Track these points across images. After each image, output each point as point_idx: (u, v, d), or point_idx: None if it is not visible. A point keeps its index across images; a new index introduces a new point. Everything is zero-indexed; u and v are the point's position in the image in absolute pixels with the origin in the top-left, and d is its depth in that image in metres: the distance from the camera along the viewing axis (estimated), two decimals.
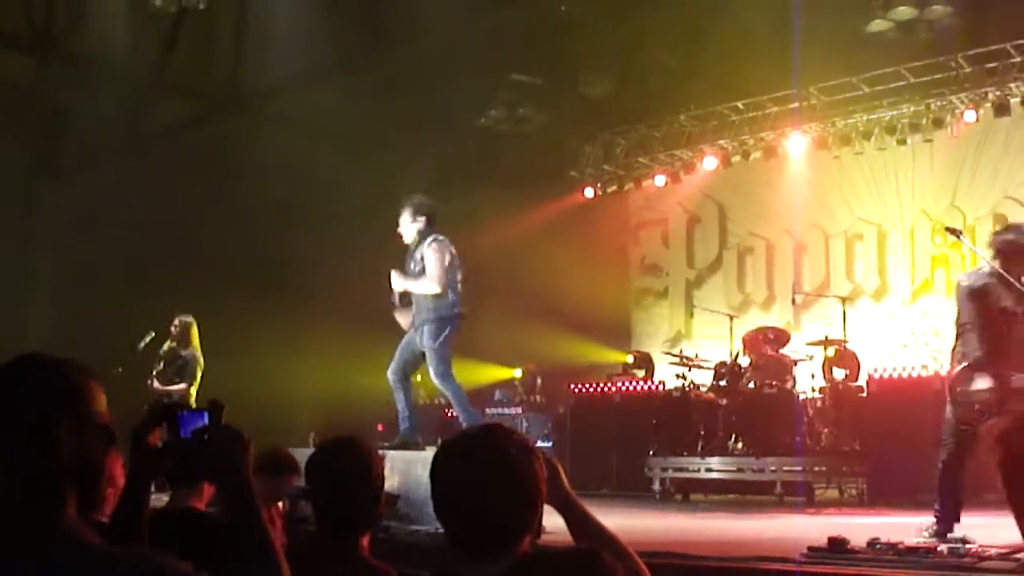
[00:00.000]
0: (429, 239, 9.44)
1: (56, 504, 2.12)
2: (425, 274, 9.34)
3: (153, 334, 12.46)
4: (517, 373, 17.14)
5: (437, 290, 9.29)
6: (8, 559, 2.01)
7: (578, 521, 2.94)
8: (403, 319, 9.66)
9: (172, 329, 12.52)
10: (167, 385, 12.35)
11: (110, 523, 2.78)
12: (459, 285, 9.47)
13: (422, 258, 9.40)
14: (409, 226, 9.51)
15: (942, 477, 7.32)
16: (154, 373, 12.43)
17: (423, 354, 9.47)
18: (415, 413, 9.81)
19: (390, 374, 9.57)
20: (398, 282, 9.48)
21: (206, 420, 2.59)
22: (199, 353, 12.52)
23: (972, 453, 7.30)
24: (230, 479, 2.48)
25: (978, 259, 13.21)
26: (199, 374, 12.44)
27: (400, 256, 9.67)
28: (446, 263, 9.36)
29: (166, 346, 12.51)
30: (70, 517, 2.13)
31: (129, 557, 2.08)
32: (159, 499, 5.08)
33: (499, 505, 2.55)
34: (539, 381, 16.35)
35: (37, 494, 2.11)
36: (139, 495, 2.80)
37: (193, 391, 12.34)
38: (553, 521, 3.04)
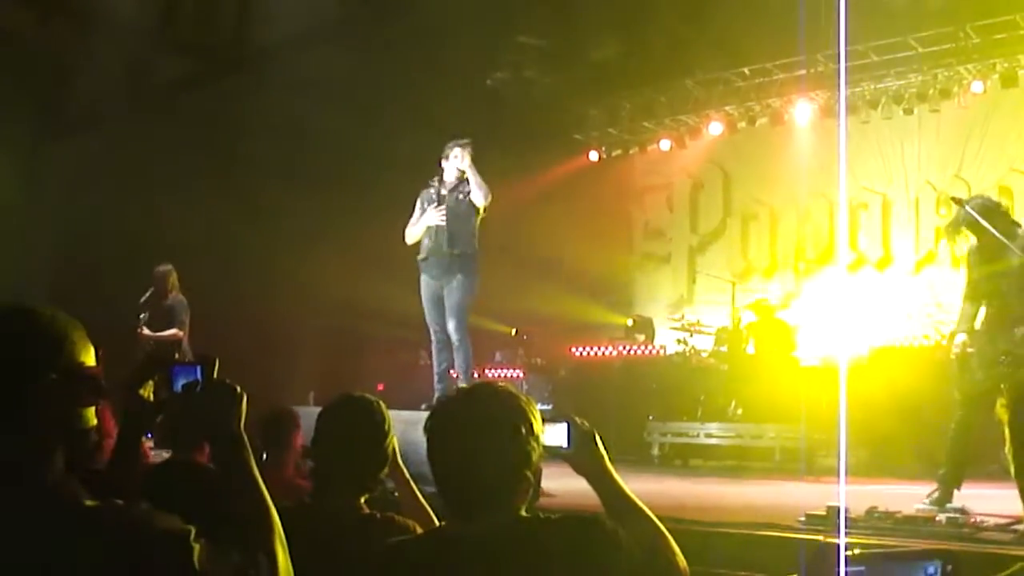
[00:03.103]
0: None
1: (43, 459, 2.09)
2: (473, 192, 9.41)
3: (153, 289, 12.53)
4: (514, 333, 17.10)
5: (486, 201, 9.33)
6: None
7: (609, 497, 2.87)
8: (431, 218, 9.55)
9: (154, 279, 12.62)
10: (157, 331, 12.39)
11: (104, 475, 2.76)
12: None
13: (468, 192, 9.43)
14: (464, 164, 9.47)
15: (951, 441, 7.33)
16: (142, 320, 12.47)
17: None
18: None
19: (441, 332, 9.52)
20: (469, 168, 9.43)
21: (198, 374, 2.57)
22: (183, 298, 12.61)
23: (979, 422, 7.32)
24: (221, 433, 2.46)
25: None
26: (187, 319, 12.50)
27: (406, 214, 9.61)
28: None
29: (148, 294, 12.57)
30: (58, 472, 2.10)
31: (117, 512, 2.07)
32: (159, 455, 5.08)
33: (487, 464, 2.53)
34: (526, 338, 16.30)
35: (23, 449, 2.08)
36: (131, 448, 2.79)
37: (184, 336, 12.39)
38: (557, 484, 3.01)
